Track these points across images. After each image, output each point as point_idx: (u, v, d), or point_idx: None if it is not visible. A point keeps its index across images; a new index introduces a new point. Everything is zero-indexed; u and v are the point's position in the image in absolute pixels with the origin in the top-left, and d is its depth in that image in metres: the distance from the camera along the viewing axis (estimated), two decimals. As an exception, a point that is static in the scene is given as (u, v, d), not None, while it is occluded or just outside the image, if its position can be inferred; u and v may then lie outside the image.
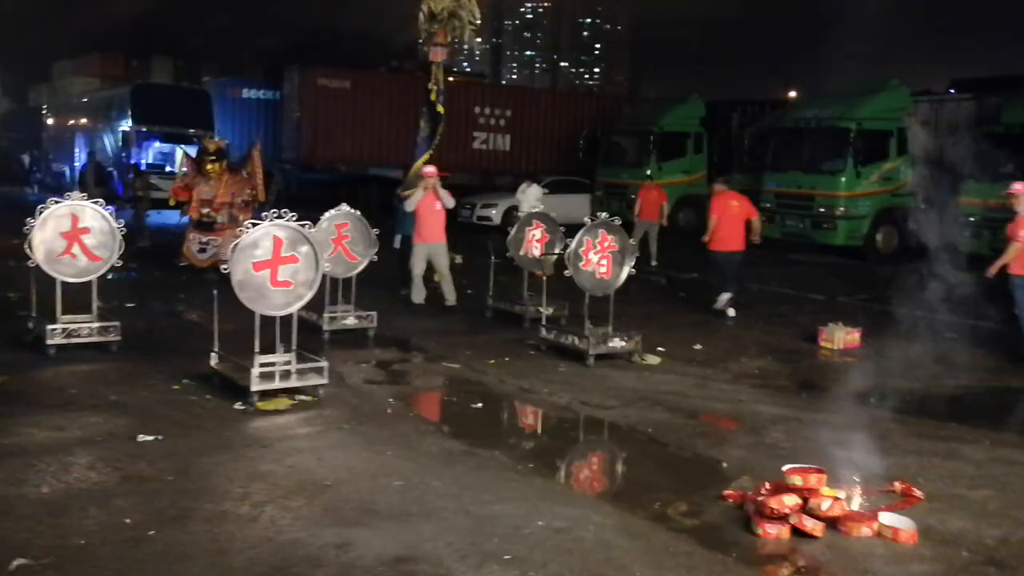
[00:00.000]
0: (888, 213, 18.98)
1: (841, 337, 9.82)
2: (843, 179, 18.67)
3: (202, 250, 12.84)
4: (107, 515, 4.56)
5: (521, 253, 10.72)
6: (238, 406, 6.60)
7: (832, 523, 4.82)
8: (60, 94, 48.30)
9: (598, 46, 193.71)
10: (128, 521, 4.50)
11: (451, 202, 11.25)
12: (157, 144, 25.41)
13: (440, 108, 12.31)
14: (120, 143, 25.86)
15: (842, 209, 18.65)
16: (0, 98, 46.09)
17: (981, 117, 18.80)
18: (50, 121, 33.22)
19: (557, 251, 10.37)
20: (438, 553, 4.31)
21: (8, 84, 49.32)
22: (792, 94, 27.11)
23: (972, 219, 16.82)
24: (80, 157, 28.74)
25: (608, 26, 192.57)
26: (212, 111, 26.20)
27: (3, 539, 4.22)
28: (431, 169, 11.38)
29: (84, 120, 29.71)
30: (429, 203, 11.01)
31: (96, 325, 8.12)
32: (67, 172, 30.07)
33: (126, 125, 25.53)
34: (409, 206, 11.09)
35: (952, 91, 22.66)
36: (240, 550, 4.23)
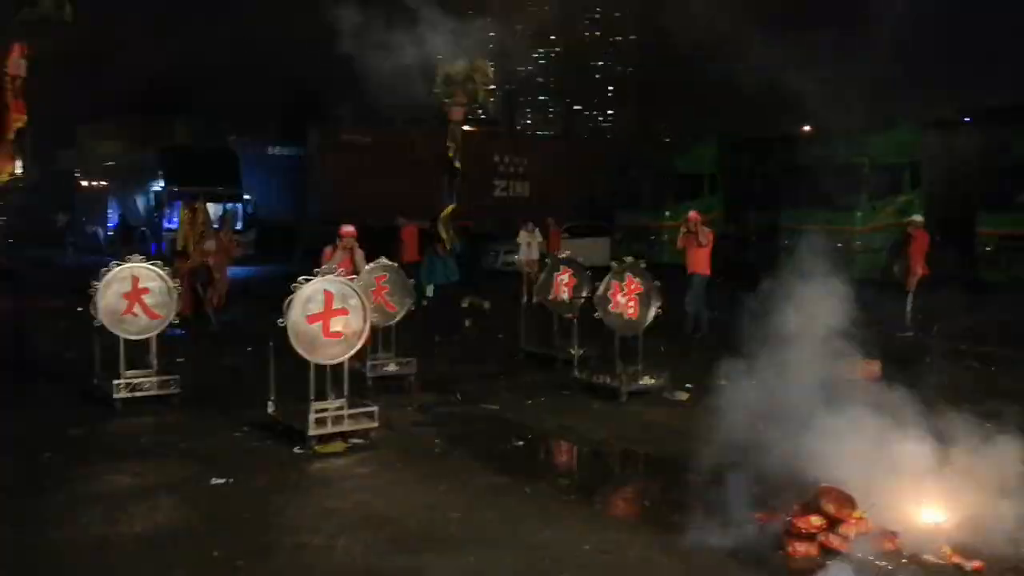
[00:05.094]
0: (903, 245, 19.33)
1: (861, 368, 10.14)
2: (859, 214, 19.13)
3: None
4: (198, 550, 5.04)
5: (550, 297, 11.19)
6: (297, 450, 7.09)
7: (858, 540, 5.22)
8: (87, 157, 49.36)
9: (611, 88, 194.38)
10: (216, 554, 4.98)
11: (364, 266, 10.40)
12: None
13: (457, 164, 12.91)
14: (152, 204, 26.65)
15: (859, 243, 19.07)
16: (31, 166, 47.23)
17: (990, 147, 19.21)
18: (83, 183, 34.11)
19: (585, 294, 10.82)
20: (500, 574, 4.75)
21: (38, 149, 50.57)
22: (806, 128, 27.47)
23: (988, 248, 17.23)
24: (112, 218, 29.57)
25: (619, 67, 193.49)
26: (240, 170, 26.99)
27: (112, 570, 4.71)
28: (350, 228, 10.88)
29: (115, 182, 30.59)
30: (345, 266, 10.20)
31: (156, 379, 8.66)
32: (100, 233, 30.88)
33: (157, 186, 26.34)
34: (328, 267, 9.79)
35: (967, 119, 22.93)
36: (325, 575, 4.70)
